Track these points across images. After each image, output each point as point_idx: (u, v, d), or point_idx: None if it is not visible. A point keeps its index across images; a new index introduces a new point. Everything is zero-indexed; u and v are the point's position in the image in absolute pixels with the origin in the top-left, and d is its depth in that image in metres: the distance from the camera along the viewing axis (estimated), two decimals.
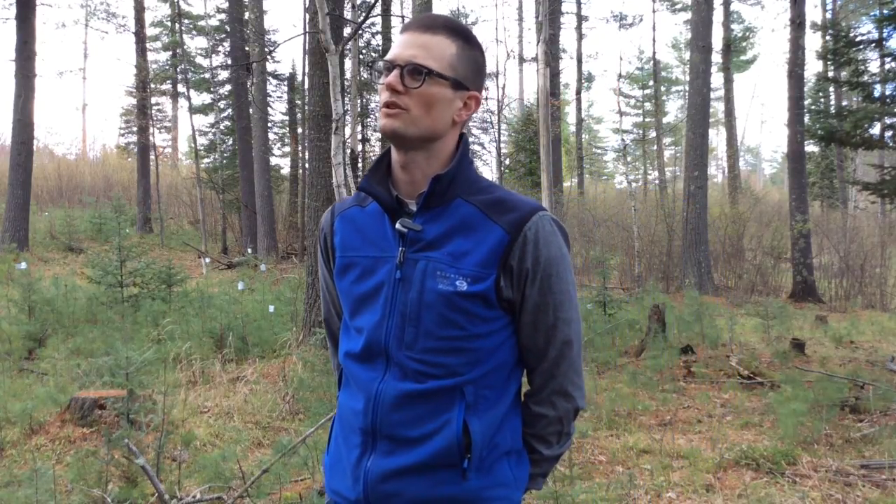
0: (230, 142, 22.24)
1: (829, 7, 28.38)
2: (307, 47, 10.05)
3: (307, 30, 10.31)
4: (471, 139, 24.82)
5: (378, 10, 16.75)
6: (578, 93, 27.35)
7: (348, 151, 7.98)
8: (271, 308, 8.26)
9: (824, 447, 4.68)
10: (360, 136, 19.49)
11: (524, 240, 1.28)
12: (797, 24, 14.44)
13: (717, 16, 22.42)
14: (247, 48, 19.96)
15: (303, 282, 8.76)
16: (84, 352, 6.71)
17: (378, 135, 19.52)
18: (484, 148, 26.24)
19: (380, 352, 1.31)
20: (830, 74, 14.70)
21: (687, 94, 18.36)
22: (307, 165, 10.75)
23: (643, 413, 5.58)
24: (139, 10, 21.50)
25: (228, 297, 9.03)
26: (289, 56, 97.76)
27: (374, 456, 1.30)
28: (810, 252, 14.33)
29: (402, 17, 16.87)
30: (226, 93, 22.60)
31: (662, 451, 4.56)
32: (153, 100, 22.26)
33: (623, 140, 19.37)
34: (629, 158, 32.07)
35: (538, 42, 9.04)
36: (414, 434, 1.27)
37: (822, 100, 26.41)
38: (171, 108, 30.01)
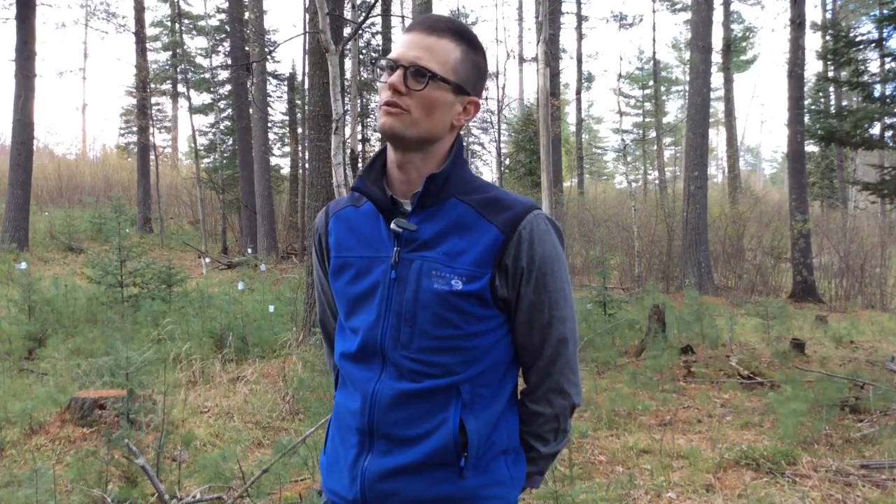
0: (230, 142, 22.24)
1: (829, 7, 28.38)
2: (307, 47, 10.05)
3: (307, 30, 10.31)
4: (471, 139, 24.89)
5: (378, 10, 16.76)
6: (578, 93, 27.35)
7: (348, 151, 7.98)
8: (271, 308, 8.26)
9: (824, 447, 4.68)
10: (360, 136, 19.49)
11: (519, 239, 1.28)
12: (797, 24, 14.44)
13: (717, 16, 22.43)
14: (247, 48, 19.96)
15: (303, 282, 8.76)
16: (84, 352, 6.71)
17: (378, 135, 19.51)
18: (484, 148, 26.29)
19: (376, 352, 1.31)
20: (830, 74, 14.70)
21: (687, 94, 18.36)
22: (307, 165, 10.76)
23: (643, 413, 5.58)
24: (139, 10, 21.51)
25: (228, 297, 9.03)
26: (289, 56, 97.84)
27: (372, 455, 1.30)
28: (810, 252, 14.33)
29: (402, 17, 16.87)
30: (226, 93, 22.61)
31: (662, 451, 4.56)
32: (153, 100, 22.26)
33: (623, 140, 19.38)
34: (629, 158, 32.08)
35: (538, 42, 9.04)
36: (411, 433, 1.27)
37: (822, 100, 26.41)
38: (171, 108, 30.05)
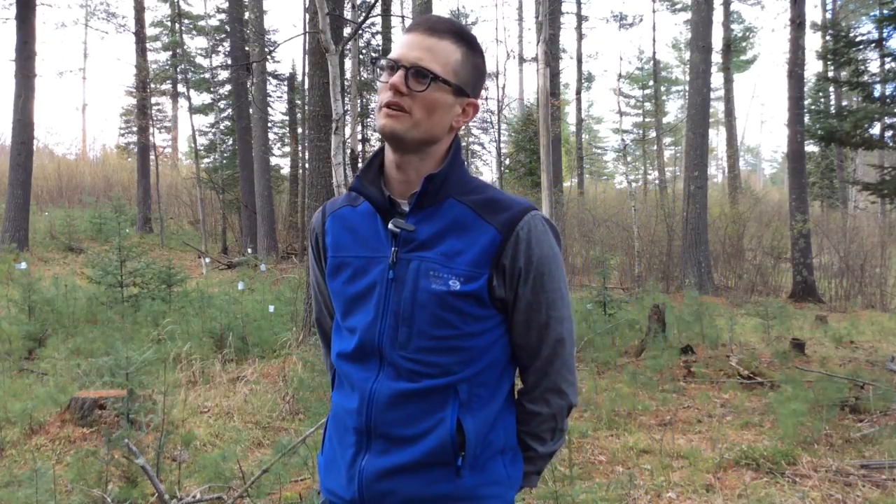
0: (230, 142, 22.25)
1: (829, 7, 28.38)
2: (307, 47, 10.05)
3: (307, 30, 10.31)
4: (471, 139, 24.88)
5: (378, 10, 16.76)
6: (578, 93, 27.35)
7: (348, 151, 7.98)
8: (271, 308, 8.26)
9: (824, 447, 4.68)
10: (360, 136, 19.50)
11: (516, 239, 1.29)
12: (797, 24, 14.44)
13: (717, 16, 22.43)
14: (247, 48, 19.96)
15: (303, 282, 8.77)
16: (84, 352, 6.71)
17: (378, 135, 19.52)
18: (484, 148, 26.29)
19: (373, 352, 1.31)
20: (830, 74, 14.70)
21: (687, 94, 18.35)
22: (307, 165, 10.76)
23: (643, 413, 5.58)
24: (139, 10, 21.51)
25: (228, 297, 9.03)
26: (289, 56, 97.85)
27: (369, 455, 1.30)
28: (810, 252, 14.33)
29: (402, 17, 16.88)
30: (226, 93, 22.61)
31: (662, 451, 4.56)
32: (153, 100, 22.26)
33: (623, 140, 19.38)
34: (629, 158, 32.09)
35: (538, 42, 9.04)
36: (408, 433, 1.28)
37: (822, 100, 26.41)
38: (171, 108, 30.04)
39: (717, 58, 25.07)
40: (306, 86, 12.35)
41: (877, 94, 8.62)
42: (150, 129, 20.70)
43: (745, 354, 7.61)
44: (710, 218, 15.33)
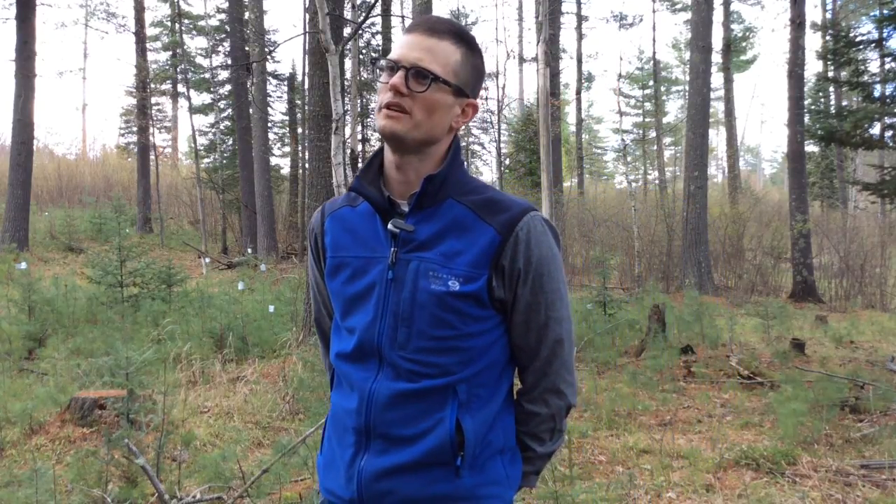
0: (230, 142, 22.25)
1: (829, 7, 28.37)
2: (307, 47, 10.06)
3: (307, 30, 10.31)
4: (471, 139, 24.87)
5: (378, 10, 16.76)
6: (578, 93, 27.35)
7: (348, 151, 7.98)
8: (271, 308, 8.26)
9: (824, 447, 4.68)
10: (360, 136, 19.50)
11: (516, 240, 1.29)
12: (797, 24, 14.44)
13: (717, 16, 22.43)
14: (247, 48, 19.96)
15: (303, 282, 8.77)
16: (84, 352, 6.71)
17: (378, 135, 19.52)
18: (484, 148, 26.28)
19: (372, 352, 1.32)
20: (830, 74, 14.70)
21: (687, 94, 18.36)
22: (307, 165, 10.76)
23: (643, 413, 5.58)
24: (139, 10, 21.52)
25: (228, 297, 9.03)
26: (289, 56, 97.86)
27: (368, 455, 1.31)
28: (810, 252, 14.33)
29: (402, 17, 16.88)
30: (226, 93, 22.61)
31: (662, 451, 4.56)
32: (153, 100, 22.26)
33: (623, 140, 19.39)
34: (629, 158, 32.10)
35: (538, 42, 9.04)
36: (407, 433, 1.28)
37: (822, 100, 26.41)
38: (171, 108, 30.03)
39: (717, 58, 25.09)
40: (306, 86, 12.35)
41: (877, 94, 8.62)
42: (150, 129, 20.70)
43: (745, 354, 7.61)
44: (710, 218, 15.33)
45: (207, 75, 22.92)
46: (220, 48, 22.95)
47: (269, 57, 21.46)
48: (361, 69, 17.79)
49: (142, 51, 21.27)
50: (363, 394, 1.31)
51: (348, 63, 15.27)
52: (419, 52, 1.28)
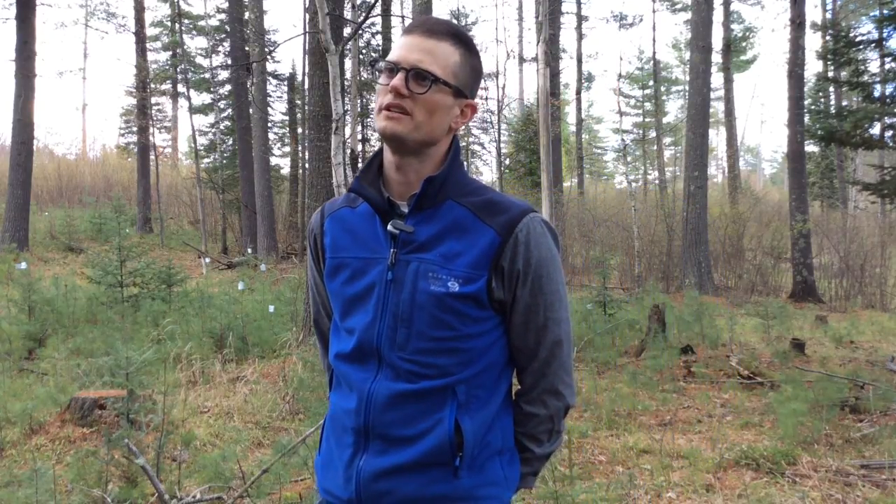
0: (230, 142, 22.25)
1: (829, 7, 28.37)
2: (307, 47, 10.06)
3: (307, 30, 10.31)
4: (471, 139, 24.87)
5: (378, 10, 16.76)
6: (578, 93, 27.35)
7: (348, 151, 7.97)
8: (271, 308, 8.27)
9: (824, 447, 4.68)
10: (360, 136, 19.50)
11: (515, 241, 1.29)
12: (797, 24, 14.44)
13: (717, 16, 22.42)
14: (247, 48, 19.96)
15: (303, 282, 8.76)
16: (84, 352, 6.71)
17: (378, 136, 19.51)
18: (484, 148, 26.27)
19: (372, 352, 1.32)
20: (830, 74, 14.70)
21: (687, 94, 18.36)
22: (307, 165, 10.76)
23: (643, 413, 5.58)
24: (139, 10, 21.52)
25: (228, 297, 9.03)
26: (289, 56, 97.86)
27: (367, 455, 1.31)
28: (810, 252, 14.33)
29: (402, 17, 16.89)
30: (226, 93, 22.61)
31: (662, 451, 4.56)
32: (153, 100, 22.26)
33: (623, 140, 19.38)
34: (629, 158, 32.09)
35: (538, 42, 9.04)
36: (406, 433, 1.28)
37: (822, 100, 26.41)
38: (171, 108, 30.05)
39: (717, 58, 25.09)
40: (306, 86, 12.35)
41: (877, 94, 8.62)
42: (150, 129, 20.70)
43: (745, 354, 7.61)
44: (710, 218, 15.33)
45: (207, 75, 22.92)
46: (220, 48, 22.96)
47: (269, 57, 21.47)
48: (361, 69, 17.79)
49: (142, 51, 21.27)
50: (362, 394, 1.31)
51: (348, 63, 15.28)
52: (419, 53, 1.28)
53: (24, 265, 9.65)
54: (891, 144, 8.45)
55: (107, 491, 3.50)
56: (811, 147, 20.86)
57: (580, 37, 26.66)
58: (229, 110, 22.07)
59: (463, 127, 1.40)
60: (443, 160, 1.36)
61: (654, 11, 31.98)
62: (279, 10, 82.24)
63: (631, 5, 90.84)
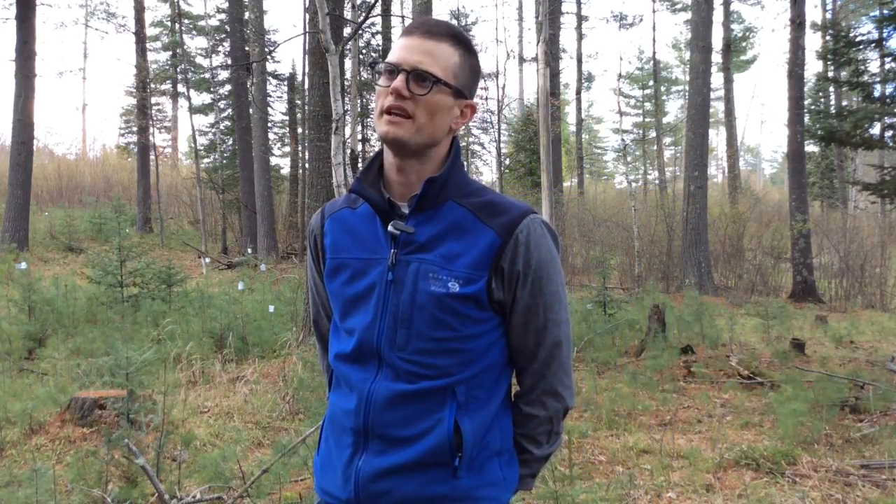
0: (230, 142, 22.25)
1: (829, 7, 28.37)
2: (307, 47, 10.06)
3: (307, 30, 10.31)
4: (471, 139, 24.86)
5: (378, 10, 16.76)
6: (578, 93, 27.35)
7: (348, 151, 7.97)
8: (271, 308, 8.27)
9: (824, 447, 4.68)
10: (360, 136, 19.50)
11: (515, 242, 1.29)
12: (797, 24, 14.44)
13: (717, 16, 22.43)
14: (247, 48, 19.96)
15: (303, 282, 8.77)
16: (84, 352, 6.71)
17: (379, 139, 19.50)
18: (484, 148, 26.26)
19: (371, 353, 1.32)
20: (830, 74, 14.70)
21: (687, 94, 18.36)
22: (307, 165, 10.76)
23: (643, 413, 5.58)
24: (139, 10, 21.51)
25: (228, 297, 9.03)
26: (289, 56, 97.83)
27: (366, 455, 1.31)
28: (810, 252, 14.33)
29: (402, 17, 16.89)
30: (226, 93, 22.61)
31: (662, 451, 4.56)
32: (153, 100, 22.26)
33: (623, 140, 19.39)
34: (629, 158, 32.10)
35: (538, 42, 9.04)
36: (406, 433, 1.28)
37: (822, 100, 26.42)
38: (171, 108, 30.05)
39: (717, 58, 25.09)
40: (306, 86, 12.35)
41: (877, 94, 8.62)
42: (150, 129, 20.70)
43: (745, 354, 7.61)
44: (710, 218, 15.33)
45: (207, 75, 22.92)
46: (220, 48, 22.96)
47: (269, 57, 21.47)
48: (361, 69, 17.79)
49: (142, 51, 21.27)
50: (362, 394, 1.31)
51: (348, 63, 15.28)
52: (419, 54, 1.28)
53: (24, 265, 9.65)
54: (891, 144, 8.45)
55: (107, 491, 3.50)
56: (811, 147, 20.87)
57: (580, 37, 26.67)
58: (229, 110, 22.07)
59: (463, 127, 1.40)
60: (443, 161, 1.36)
61: (654, 11, 32.01)
62: (279, 10, 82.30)
63: (631, 5, 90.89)
